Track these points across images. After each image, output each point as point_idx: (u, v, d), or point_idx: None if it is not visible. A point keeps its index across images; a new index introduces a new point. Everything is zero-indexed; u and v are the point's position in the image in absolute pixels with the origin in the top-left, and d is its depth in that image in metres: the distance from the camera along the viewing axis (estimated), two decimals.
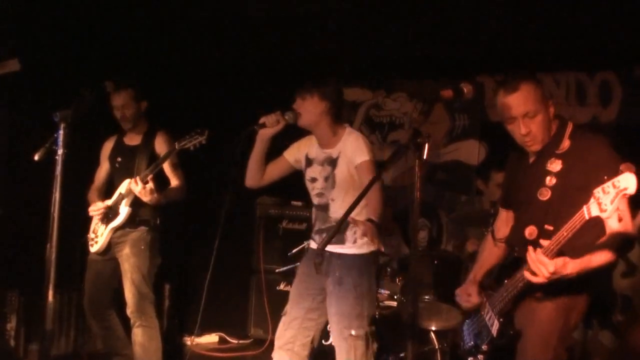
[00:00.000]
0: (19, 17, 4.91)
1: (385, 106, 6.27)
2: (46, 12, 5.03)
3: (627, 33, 4.76)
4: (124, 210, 4.49)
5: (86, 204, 4.65)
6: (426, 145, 2.64)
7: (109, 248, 4.57)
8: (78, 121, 3.37)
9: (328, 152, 3.83)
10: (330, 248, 3.75)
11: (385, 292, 4.79)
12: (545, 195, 2.97)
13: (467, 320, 3.38)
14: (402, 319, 4.55)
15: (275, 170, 3.97)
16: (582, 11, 4.70)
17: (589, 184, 2.65)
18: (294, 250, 5.44)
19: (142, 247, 4.51)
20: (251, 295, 5.98)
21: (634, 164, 2.81)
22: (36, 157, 3.65)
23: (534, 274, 2.72)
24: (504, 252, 3.30)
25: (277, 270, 5.77)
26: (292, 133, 3.94)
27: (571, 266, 2.68)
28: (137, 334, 4.50)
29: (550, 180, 2.97)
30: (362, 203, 3.73)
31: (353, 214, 3.67)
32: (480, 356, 3.16)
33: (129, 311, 4.51)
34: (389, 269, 4.81)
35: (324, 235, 3.68)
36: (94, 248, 4.58)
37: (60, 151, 3.28)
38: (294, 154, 3.97)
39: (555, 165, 2.97)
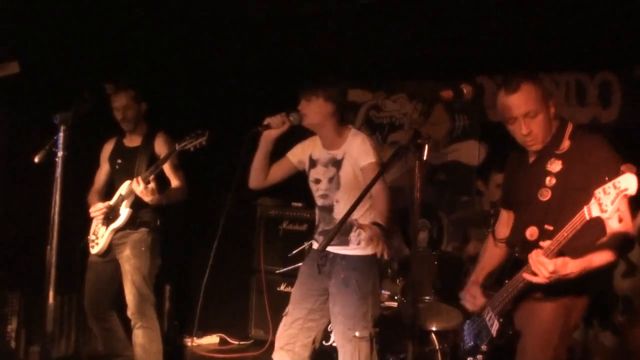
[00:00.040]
0: (19, 17, 4.91)
1: (385, 107, 6.26)
2: (46, 12, 5.03)
3: (627, 33, 4.75)
4: (125, 211, 4.49)
5: (86, 206, 4.65)
6: (426, 146, 2.64)
7: (110, 249, 4.57)
8: (78, 123, 3.37)
9: (332, 153, 3.82)
10: (334, 249, 3.76)
11: (385, 292, 4.78)
12: (545, 195, 2.98)
13: (467, 321, 3.38)
14: (403, 320, 4.55)
15: (279, 172, 3.96)
16: (582, 11, 4.69)
17: (589, 184, 2.66)
18: (294, 251, 5.44)
19: (143, 249, 4.52)
20: (252, 296, 5.98)
21: (634, 164, 2.81)
22: (36, 159, 3.66)
23: (534, 274, 2.73)
24: (505, 252, 3.30)
25: (277, 271, 5.77)
26: (295, 134, 3.93)
27: (571, 266, 2.68)
28: (138, 335, 4.50)
29: (550, 181, 2.97)
30: (366, 205, 3.74)
31: (357, 216, 3.72)
32: (479, 356, 3.16)
33: (129, 312, 4.51)
34: (389, 270, 4.80)
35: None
36: (94, 250, 4.58)
37: (60, 153, 3.29)
38: (298, 155, 3.96)
39: (555, 166, 2.98)
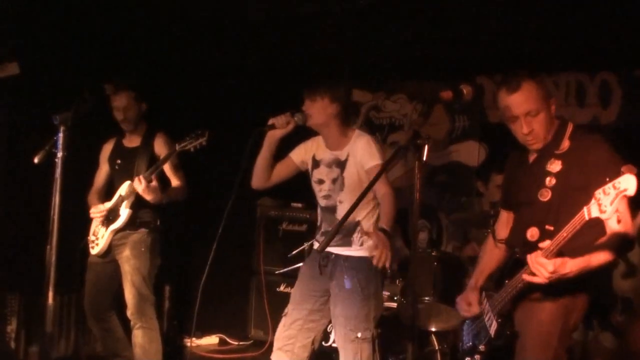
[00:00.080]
0: (19, 17, 4.90)
1: (385, 108, 6.26)
2: (46, 12, 5.02)
3: (627, 34, 4.75)
4: (125, 212, 4.49)
5: (86, 206, 4.65)
6: (426, 147, 2.63)
7: (110, 250, 4.57)
8: (78, 123, 3.37)
9: (336, 154, 3.81)
10: (336, 250, 3.76)
11: (385, 293, 4.78)
12: (545, 196, 2.97)
13: (466, 321, 3.38)
14: (402, 320, 4.55)
15: (282, 172, 3.94)
16: (582, 12, 4.69)
17: (589, 184, 2.66)
18: (294, 252, 5.43)
19: (143, 249, 4.51)
20: (251, 296, 5.98)
21: (634, 165, 2.81)
22: (36, 160, 3.65)
23: (532, 274, 2.73)
24: (505, 253, 3.30)
25: (277, 272, 5.76)
26: (298, 134, 3.92)
27: (570, 265, 2.69)
28: (137, 335, 4.50)
29: (550, 181, 2.97)
30: (369, 206, 3.74)
31: (360, 217, 3.73)
32: (477, 356, 3.16)
33: (129, 313, 4.50)
34: (389, 271, 4.80)
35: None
36: (94, 250, 4.58)
37: (60, 154, 3.29)
38: (301, 155, 3.95)
39: (555, 166, 2.98)
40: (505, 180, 3.42)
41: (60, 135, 3.31)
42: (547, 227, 2.91)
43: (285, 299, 3.98)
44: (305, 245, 5.28)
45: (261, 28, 5.64)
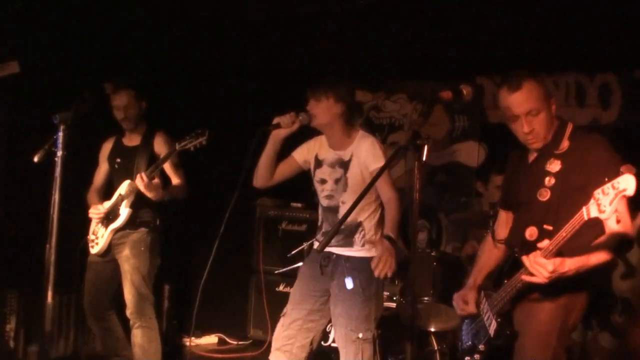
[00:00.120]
0: (19, 17, 4.90)
1: (384, 108, 6.26)
2: (46, 12, 5.02)
3: (627, 34, 4.75)
4: (125, 211, 4.49)
5: (85, 205, 4.65)
6: (425, 147, 2.63)
7: (109, 249, 4.57)
8: (77, 123, 3.37)
9: (339, 154, 3.81)
10: (338, 250, 3.76)
11: (384, 293, 4.78)
12: (544, 195, 2.98)
13: (466, 320, 3.38)
14: (402, 320, 4.55)
15: (284, 171, 3.93)
16: (582, 12, 4.69)
17: (588, 184, 2.66)
18: (293, 252, 5.43)
19: (142, 249, 4.51)
20: (250, 296, 5.97)
21: (634, 165, 2.81)
22: (36, 159, 3.65)
23: (531, 274, 2.74)
24: (504, 253, 3.30)
25: (276, 272, 5.76)
26: (300, 133, 3.91)
27: (568, 264, 2.70)
28: (137, 335, 4.50)
29: (549, 181, 2.97)
30: (372, 207, 3.74)
31: (362, 218, 3.72)
32: (477, 356, 3.16)
33: (128, 312, 4.50)
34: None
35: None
36: (94, 250, 4.58)
37: (59, 153, 3.29)
38: (304, 154, 3.94)
39: (555, 166, 2.98)
40: (505, 180, 3.42)
41: (60, 134, 3.31)
42: (545, 226, 2.92)
43: (284, 298, 3.98)
44: (305, 245, 5.28)
45: (261, 28, 5.63)
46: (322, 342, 4.62)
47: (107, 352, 4.75)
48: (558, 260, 2.68)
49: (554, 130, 3.01)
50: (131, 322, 4.52)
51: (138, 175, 4.32)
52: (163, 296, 5.75)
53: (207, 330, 6.10)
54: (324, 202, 3.87)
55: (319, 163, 3.89)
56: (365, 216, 3.74)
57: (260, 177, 3.89)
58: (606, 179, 2.47)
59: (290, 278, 5.07)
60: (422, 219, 5.79)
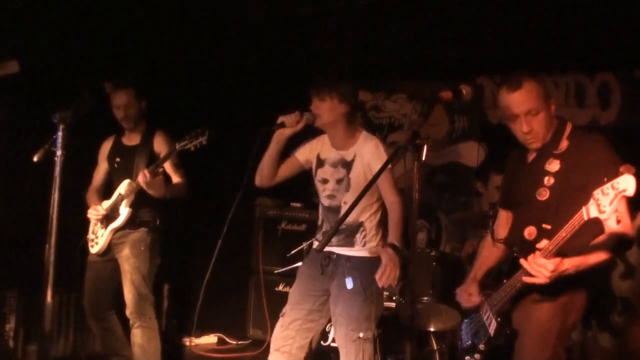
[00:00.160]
0: (19, 17, 4.90)
1: (384, 108, 6.26)
2: (46, 12, 5.02)
3: (627, 34, 4.75)
4: (125, 211, 4.49)
5: (85, 205, 4.65)
6: (425, 147, 2.64)
7: (109, 249, 4.57)
8: (77, 122, 3.37)
9: (342, 154, 3.80)
10: (338, 250, 3.75)
11: (384, 293, 4.78)
12: (543, 195, 2.98)
13: (465, 320, 3.38)
14: (401, 320, 4.55)
15: (286, 170, 3.92)
16: (582, 12, 4.70)
17: (587, 184, 2.67)
18: (293, 251, 5.43)
19: (142, 248, 4.51)
20: (250, 296, 5.97)
21: (634, 165, 2.81)
22: (35, 158, 3.65)
23: (531, 275, 2.75)
24: (504, 252, 3.31)
25: (276, 271, 5.77)
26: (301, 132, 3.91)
27: (567, 262, 2.72)
28: (137, 334, 4.50)
29: (548, 180, 2.98)
30: (374, 207, 3.74)
31: (364, 218, 3.72)
32: (477, 355, 3.16)
33: (128, 312, 4.50)
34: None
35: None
36: (94, 249, 4.58)
37: (59, 152, 3.29)
38: (306, 154, 3.93)
39: (554, 166, 2.98)
40: (504, 179, 3.43)
41: (60, 133, 3.31)
42: (544, 225, 2.92)
43: (284, 298, 3.97)
44: (305, 244, 5.28)
45: (261, 28, 5.64)
46: (322, 342, 4.62)
47: (106, 352, 4.75)
48: (557, 259, 2.70)
49: (553, 130, 3.02)
50: (131, 322, 4.51)
51: (141, 172, 4.31)
52: (163, 296, 5.75)
53: (206, 329, 6.10)
54: (325, 202, 3.86)
55: (320, 163, 3.88)
56: (367, 216, 3.74)
57: (263, 177, 3.88)
58: (606, 179, 2.48)
59: (289, 278, 5.06)
60: (422, 218, 5.79)
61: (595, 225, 2.66)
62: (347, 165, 3.77)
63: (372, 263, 3.68)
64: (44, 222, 3.32)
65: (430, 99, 5.95)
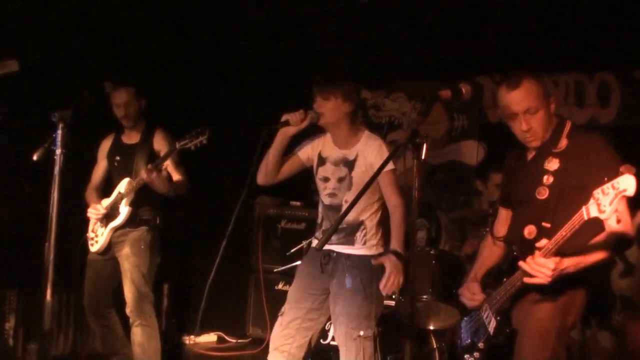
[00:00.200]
0: (19, 17, 4.91)
1: (384, 107, 6.27)
2: (46, 12, 5.02)
3: (626, 34, 4.76)
4: (125, 209, 4.49)
5: (84, 204, 4.66)
6: (424, 146, 2.64)
7: (109, 247, 4.57)
8: (76, 121, 3.37)
9: (344, 152, 3.80)
10: (338, 248, 3.75)
11: None
12: (543, 194, 2.99)
13: (465, 318, 3.38)
14: (401, 319, 4.55)
15: (289, 168, 3.90)
16: (582, 12, 4.70)
17: (587, 183, 2.67)
18: (292, 250, 5.44)
19: (142, 247, 4.52)
20: (250, 294, 5.98)
21: (633, 164, 2.82)
22: (35, 157, 3.65)
23: (531, 276, 2.75)
24: (504, 251, 3.31)
25: (275, 270, 5.77)
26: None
27: (567, 261, 2.73)
28: (137, 333, 4.50)
29: (547, 179, 2.98)
30: (374, 207, 3.74)
31: (364, 217, 3.72)
32: (476, 354, 3.16)
33: (128, 310, 4.50)
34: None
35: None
36: (94, 248, 4.58)
37: (58, 151, 3.29)
38: (307, 152, 3.92)
39: (553, 164, 2.99)
40: (504, 178, 3.43)
41: (59, 132, 3.31)
42: (544, 224, 2.92)
43: (283, 297, 3.96)
44: (304, 243, 5.29)
45: (261, 28, 5.64)
46: (322, 340, 4.62)
47: (106, 351, 4.75)
48: (557, 258, 2.70)
49: (552, 129, 3.02)
50: (131, 321, 4.52)
51: (145, 168, 4.29)
52: (162, 294, 5.75)
53: (206, 328, 6.10)
54: (326, 200, 3.85)
55: (322, 161, 3.87)
56: (367, 215, 3.74)
57: (266, 174, 3.85)
58: (606, 179, 2.48)
59: (289, 276, 5.06)
60: (422, 217, 5.80)
61: (595, 224, 2.66)
62: (350, 164, 3.76)
63: (371, 261, 3.68)
64: (43, 221, 3.32)
65: (429, 97, 5.95)
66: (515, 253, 3.01)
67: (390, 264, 3.48)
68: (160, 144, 4.56)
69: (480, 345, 3.15)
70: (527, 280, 2.81)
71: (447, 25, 5.27)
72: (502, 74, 3.11)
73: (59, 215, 3.26)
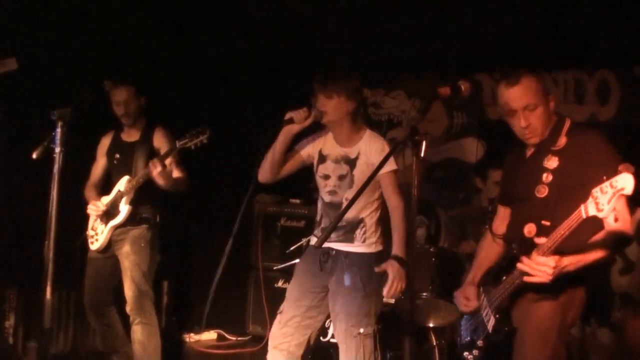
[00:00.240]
0: (19, 16, 4.91)
1: (383, 104, 6.27)
2: (46, 11, 5.03)
3: (626, 32, 4.76)
4: (125, 208, 4.49)
5: (84, 201, 4.66)
6: (424, 143, 2.65)
7: (109, 246, 4.57)
8: (76, 119, 3.37)
9: (346, 150, 3.79)
10: (337, 246, 3.75)
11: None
12: (542, 192, 2.99)
13: (465, 316, 3.39)
14: (400, 316, 4.56)
15: (290, 166, 3.90)
16: (581, 10, 4.70)
17: (586, 181, 2.67)
18: (292, 248, 5.44)
19: (142, 245, 4.52)
20: (249, 292, 5.98)
21: (632, 162, 2.82)
22: (34, 155, 3.65)
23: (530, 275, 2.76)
24: (503, 249, 3.30)
25: (275, 268, 5.78)
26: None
27: (567, 260, 2.73)
28: (137, 331, 4.50)
29: (547, 177, 2.98)
30: (374, 205, 3.74)
31: (364, 214, 3.72)
32: (475, 351, 3.17)
33: (128, 308, 4.51)
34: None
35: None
36: (94, 246, 4.59)
37: (57, 149, 3.29)
38: (308, 149, 3.91)
39: (552, 162, 2.99)
40: (503, 175, 3.44)
41: (58, 130, 3.31)
42: (543, 222, 2.92)
43: (283, 294, 3.97)
44: (304, 241, 5.29)
45: (261, 28, 5.63)
46: (321, 338, 4.62)
47: (106, 349, 4.76)
48: (557, 256, 2.70)
49: (551, 126, 3.02)
50: (131, 319, 4.52)
51: (151, 162, 4.27)
52: (162, 293, 5.75)
53: (206, 325, 6.10)
54: (326, 197, 3.84)
55: (322, 158, 3.87)
56: (367, 213, 3.74)
57: (268, 172, 3.85)
58: (604, 178, 2.48)
59: (289, 274, 5.07)
60: (421, 214, 5.79)
61: (594, 222, 2.65)
62: (351, 162, 3.76)
63: (371, 259, 3.69)
64: (43, 219, 3.33)
65: (429, 95, 5.95)
66: (515, 251, 3.02)
67: (393, 270, 3.50)
68: (160, 141, 4.56)
69: (480, 342, 3.16)
70: (527, 279, 2.81)
71: (446, 23, 5.27)
72: (501, 71, 3.11)
73: (59, 213, 3.26)
